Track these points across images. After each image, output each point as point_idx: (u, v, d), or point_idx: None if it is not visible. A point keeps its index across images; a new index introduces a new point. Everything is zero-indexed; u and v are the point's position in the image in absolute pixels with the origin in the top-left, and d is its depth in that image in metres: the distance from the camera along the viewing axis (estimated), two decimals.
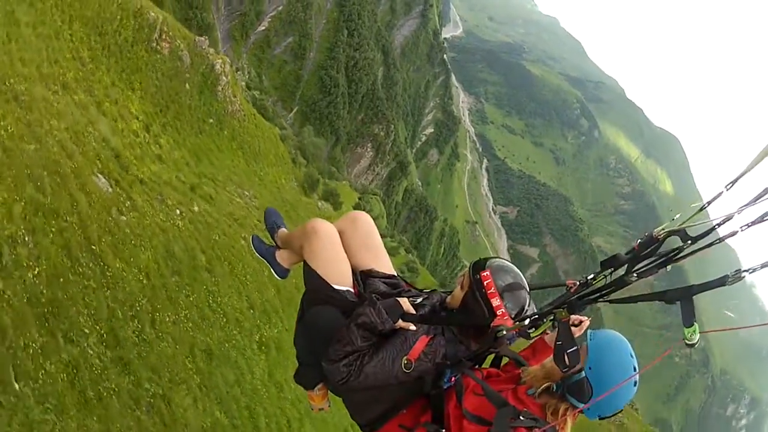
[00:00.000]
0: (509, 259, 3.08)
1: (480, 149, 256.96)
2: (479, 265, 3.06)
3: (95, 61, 18.23)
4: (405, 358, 2.96)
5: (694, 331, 2.24)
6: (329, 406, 3.84)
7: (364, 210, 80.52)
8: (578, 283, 2.90)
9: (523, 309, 2.96)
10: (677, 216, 2.62)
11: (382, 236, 4.38)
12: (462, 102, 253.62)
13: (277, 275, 4.04)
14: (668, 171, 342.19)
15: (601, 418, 2.74)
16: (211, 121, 27.36)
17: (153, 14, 22.77)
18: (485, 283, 2.93)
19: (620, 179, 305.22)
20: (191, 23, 72.38)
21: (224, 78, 28.98)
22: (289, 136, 59.23)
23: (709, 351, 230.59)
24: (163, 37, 23.38)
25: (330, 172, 63.00)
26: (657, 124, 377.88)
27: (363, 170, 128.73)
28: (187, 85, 25.43)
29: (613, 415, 2.72)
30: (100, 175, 11.74)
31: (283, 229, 4.19)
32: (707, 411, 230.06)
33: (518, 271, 3.08)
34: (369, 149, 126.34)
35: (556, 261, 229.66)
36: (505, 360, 3.34)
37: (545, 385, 2.80)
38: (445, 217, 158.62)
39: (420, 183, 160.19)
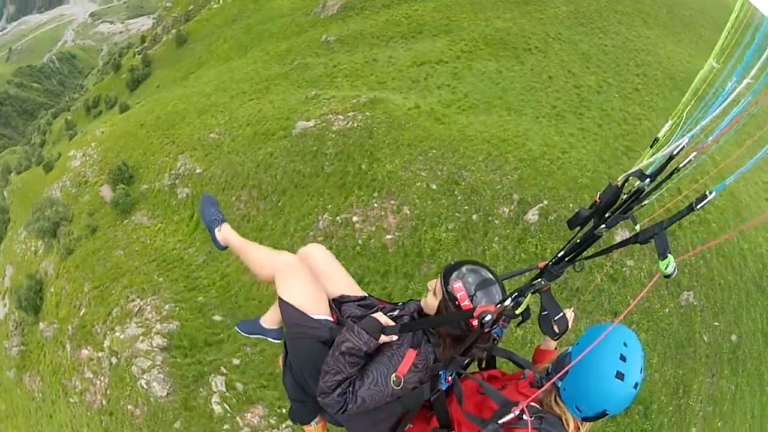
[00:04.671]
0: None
1: None
2: (449, 276, 2.61)
3: None
4: (393, 375, 2.61)
5: (669, 262, 2.00)
6: None
7: None
8: (549, 263, 2.50)
9: (497, 303, 2.50)
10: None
11: None
12: None
13: (276, 339, 3.58)
14: None
15: (585, 419, 2.36)
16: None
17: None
18: (458, 295, 2.52)
19: None
20: None
21: None
22: None
23: None
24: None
25: None
26: None
27: None
28: None
29: (597, 417, 2.32)
30: None
31: (233, 240, 3.47)
32: None
33: (486, 268, 2.65)
34: None
35: None
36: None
37: (541, 368, 2.68)
38: None
39: None
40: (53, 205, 32.24)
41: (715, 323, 15.69)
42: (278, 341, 3.50)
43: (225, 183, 24.34)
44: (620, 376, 2.20)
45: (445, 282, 2.59)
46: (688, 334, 15.42)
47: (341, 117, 22.47)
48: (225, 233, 3.47)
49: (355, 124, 21.59)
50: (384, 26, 33.10)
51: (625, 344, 2.25)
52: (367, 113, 21.85)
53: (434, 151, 18.88)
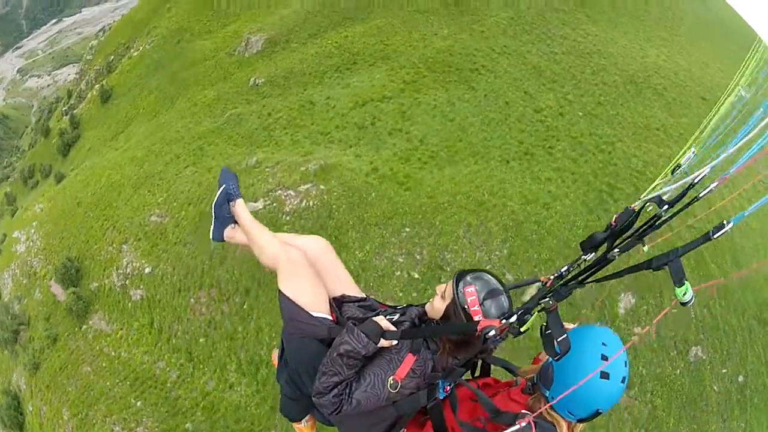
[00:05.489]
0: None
1: None
2: (462, 279, 2.54)
3: None
4: (391, 378, 2.52)
5: (687, 290, 1.93)
6: None
7: None
8: (552, 277, 2.62)
9: (505, 314, 2.42)
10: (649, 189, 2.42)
11: None
12: None
13: (212, 236, 3.47)
14: None
15: (579, 421, 2.32)
16: None
17: None
18: (469, 300, 2.46)
19: None
20: None
21: None
22: None
23: None
24: None
25: None
26: None
27: None
28: None
29: (591, 417, 2.28)
30: None
31: (244, 219, 3.29)
32: None
33: (497, 278, 2.56)
34: None
35: None
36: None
37: (530, 376, 2.58)
38: None
39: None
40: (7, 311, 29.15)
41: (723, 370, 15.05)
42: (215, 240, 3.43)
43: (179, 283, 21.13)
44: (605, 375, 2.16)
45: (457, 285, 2.52)
46: (699, 389, 14.72)
47: (292, 193, 19.45)
48: (238, 210, 3.31)
49: (310, 203, 18.60)
50: (314, 60, 29.75)
51: (603, 344, 2.22)
52: (321, 186, 18.85)
53: (408, 229, 16.12)
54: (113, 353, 21.99)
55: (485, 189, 16.74)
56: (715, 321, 15.32)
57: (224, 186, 3.32)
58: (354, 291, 3.12)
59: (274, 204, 19.52)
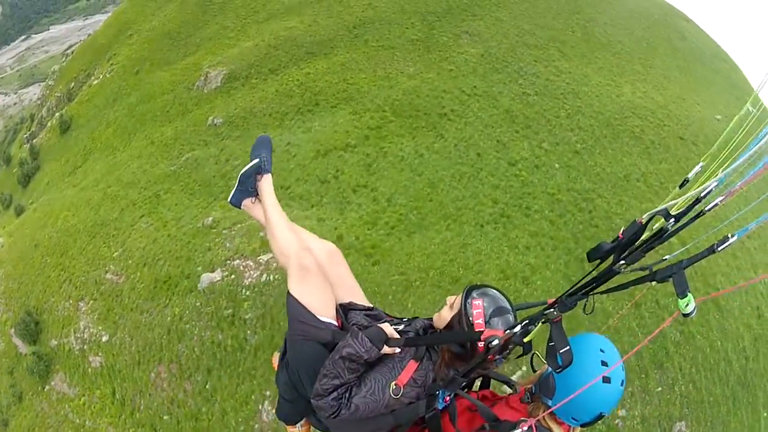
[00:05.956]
0: None
1: None
2: (471, 293, 2.49)
3: None
4: (393, 383, 2.47)
5: (689, 301, 1.86)
6: None
7: None
8: (560, 297, 2.35)
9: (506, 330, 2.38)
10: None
11: None
12: None
13: (230, 199, 3.35)
14: None
15: (583, 425, 2.31)
16: None
17: None
18: (475, 312, 2.42)
19: None
20: None
21: None
22: None
23: None
24: None
25: None
26: None
27: None
28: None
29: (594, 421, 2.27)
30: None
31: (267, 199, 3.19)
32: None
33: (507, 298, 2.51)
34: None
35: None
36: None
37: (528, 386, 2.56)
38: None
39: None
40: None
41: None
42: (232, 204, 3.30)
43: (138, 354, 19.32)
44: (607, 380, 2.16)
45: (466, 298, 2.48)
46: None
47: (251, 264, 17.54)
48: (264, 186, 3.18)
49: (271, 277, 16.76)
50: (275, 99, 27.73)
51: (601, 350, 2.22)
52: None
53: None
54: (78, 420, 20.60)
55: (459, 262, 15.06)
56: (700, 395, 14.63)
57: (257, 160, 3.17)
58: (361, 299, 3.06)
59: (233, 276, 17.63)
